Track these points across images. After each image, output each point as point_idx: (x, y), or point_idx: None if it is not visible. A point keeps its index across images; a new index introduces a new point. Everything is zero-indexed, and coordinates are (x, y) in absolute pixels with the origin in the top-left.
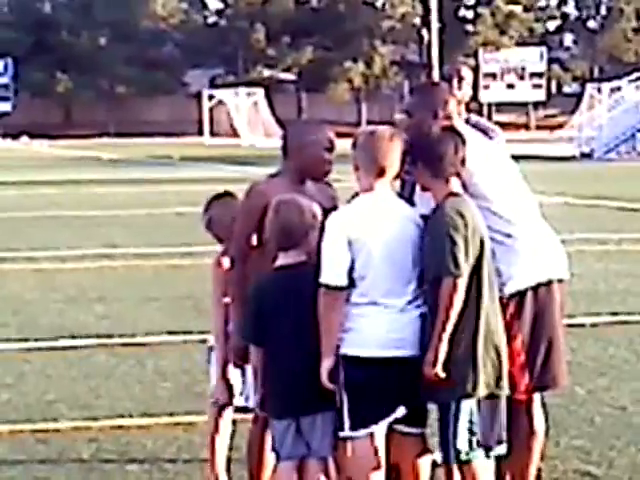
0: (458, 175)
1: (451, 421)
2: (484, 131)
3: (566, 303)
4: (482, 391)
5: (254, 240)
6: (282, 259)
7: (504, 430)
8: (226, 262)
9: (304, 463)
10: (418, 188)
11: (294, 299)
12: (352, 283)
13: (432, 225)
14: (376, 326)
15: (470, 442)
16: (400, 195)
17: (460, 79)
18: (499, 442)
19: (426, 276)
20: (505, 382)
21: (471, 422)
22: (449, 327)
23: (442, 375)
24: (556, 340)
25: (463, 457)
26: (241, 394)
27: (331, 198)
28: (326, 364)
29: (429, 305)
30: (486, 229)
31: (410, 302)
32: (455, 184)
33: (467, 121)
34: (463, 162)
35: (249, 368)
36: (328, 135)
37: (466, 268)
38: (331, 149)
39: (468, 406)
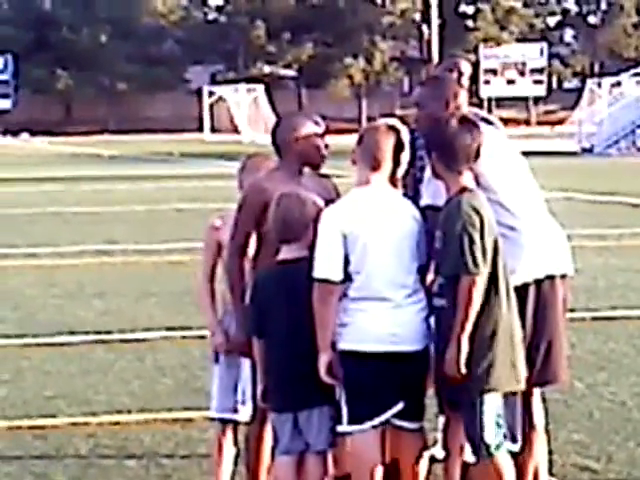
0: (471, 168)
1: (477, 416)
2: (487, 123)
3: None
4: (505, 386)
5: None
6: (284, 253)
7: (519, 425)
8: (218, 222)
9: (303, 458)
10: (426, 178)
11: (295, 293)
12: (349, 277)
13: (447, 220)
14: (373, 321)
15: (497, 435)
16: (404, 185)
17: (460, 73)
18: (519, 433)
19: (443, 272)
20: (523, 377)
21: (498, 416)
22: (469, 325)
23: (464, 372)
24: (557, 335)
25: (493, 451)
26: (243, 403)
27: (330, 191)
28: (324, 359)
29: (446, 301)
30: (496, 223)
31: (408, 296)
32: (468, 177)
33: None
34: (477, 155)
35: (246, 365)
36: (316, 122)
37: (483, 265)
38: (322, 135)
39: (494, 400)
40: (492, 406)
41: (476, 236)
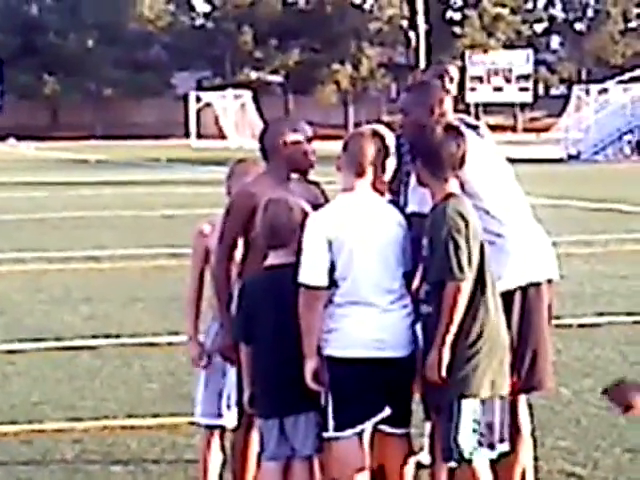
0: (456, 175)
1: (454, 420)
2: (473, 129)
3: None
4: (486, 392)
5: (240, 240)
6: (272, 259)
7: (507, 428)
8: (207, 228)
9: (289, 464)
10: (411, 185)
11: (282, 299)
12: (334, 283)
13: (433, 226)
14: (359, 326)
15: (472, 440)
16: (390, 191)
17: (451, 79)
18: (501, 440)
19: (429, 278)
20: (507, 382)
21: (475, 421)
22: (452, 330)
23: (444, 377)
24: (543, 341)
25: (466, 456)
26: (228, 408)
27: (317, 197)
28: (310, 365)
29: (432, 307)
30: (481, 229)
31: (393, 302)
32: (453, 184)
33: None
34: (462, 162)
35: (232, 370)
36: (305, 127)
37: (469, 271)
38: (310, 139)
39: (471, 405)
40: (469, 411)
41: (461, 242)
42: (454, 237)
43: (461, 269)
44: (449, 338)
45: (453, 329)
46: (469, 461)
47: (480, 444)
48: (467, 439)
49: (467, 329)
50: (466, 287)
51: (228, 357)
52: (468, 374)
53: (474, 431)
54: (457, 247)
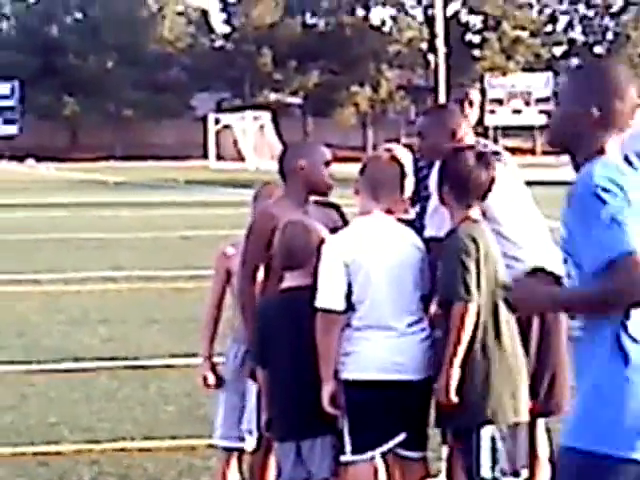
0: (479, 203)
1: (473, 448)
2: (494, 154)
3: None
4: (504, 418)
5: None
6: (288, 281)
7: (526, 453)
8: (230, 250)
9: None
10: (430, 210)
11: (298, 322)
12: (351, 307)
13: (445, 249)
14: (376, 349)
15: (493, 469)
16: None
17: (470, 103)
18: (522, 466)
19: (439, 300)
20: (526, 408)
21: (494, 449)
22: (460, 352)
23: (455, 400)
24: (561, 365)
25: None
26: (250, 432)
27: (335, 220)
28: (327, 389)
29: (442, 330)
30: (501, 255)
31: (411, 325)
32: (475, 211)
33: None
34: (488, 192)
35: (252, 393)
36: (323, 151)
37: (476, 293)
38: (328, 163)
39: (489, 433)
40: (487, 438)
41: (470, 264)
42: (462, 259)
43: (467, 290)
44: (457, 360)
45: (461, 351)
46: None
47: (503, 474)
48: (488, 468)
49: (479, 354)
50: (472, 308)
51: (253, 376)
52: (481, 399)
53: (494, 459)
54: (465, 268)
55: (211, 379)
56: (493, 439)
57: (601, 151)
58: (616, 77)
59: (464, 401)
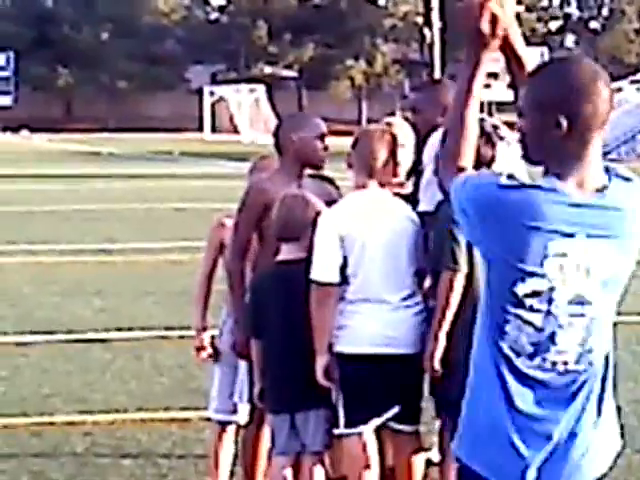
0: None
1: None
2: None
3: None
4: None
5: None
6: (284, 253)
7: None
8: (228, 221)
9: (299, 459)
10: (424, 183)
11: (292, 294)
12: (346, 280)
13: (436, 220)
14: (369, 323)
15: None
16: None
17: None
18: None
19: (430, 270)
20: None
21: None
22: (448, 318)
23: (438, 369)
24: None
25: None
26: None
27: (330, 193)
28: (321, 361)
29: (432, 300)
30: None
31: (404, 299)
32: None
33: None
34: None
35: (243, 365)
36: (318, 123)
37: (464, 263)
38: (323, 136)
39: None
40: None
41: (459, 234)
42: (451, 229)
43: (455, 260)
44: (444, 328)
45: (448, 317)
46: None
47: None
48: None
49: (471, 323)
50: (460, 278)
51: (240, 352)
52: None
53: None
54: (454, 239)
55: (207, 352)
56: None
57: (579, 158)
58: (578, 78)
59: (454, 372)
